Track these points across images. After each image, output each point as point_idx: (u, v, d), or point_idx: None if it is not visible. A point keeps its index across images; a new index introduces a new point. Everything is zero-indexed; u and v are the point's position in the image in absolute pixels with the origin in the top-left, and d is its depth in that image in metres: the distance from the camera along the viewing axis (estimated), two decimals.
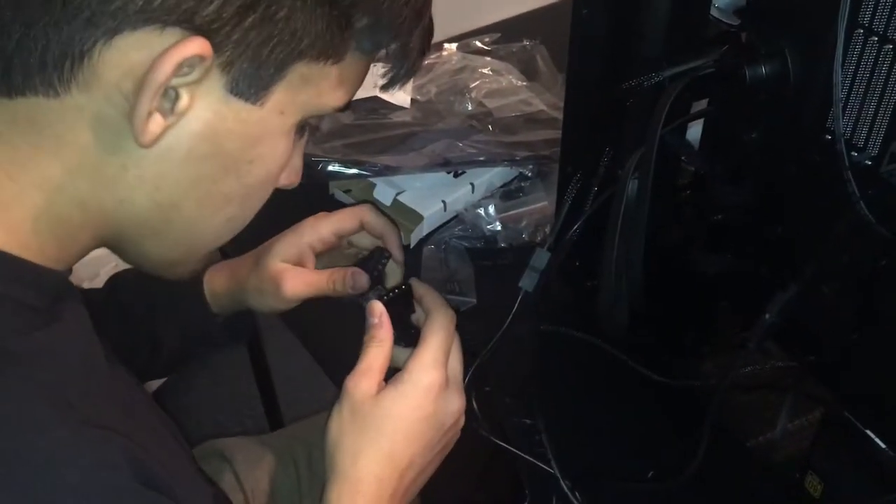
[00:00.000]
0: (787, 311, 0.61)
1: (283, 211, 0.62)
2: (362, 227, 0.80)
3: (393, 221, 0.80)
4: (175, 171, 0.51)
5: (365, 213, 0.79)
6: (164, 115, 0.47)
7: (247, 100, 0.50)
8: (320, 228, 0.79)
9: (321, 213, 0.81)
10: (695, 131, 0.78)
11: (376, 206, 0.81)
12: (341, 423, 0.64)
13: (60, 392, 0.47)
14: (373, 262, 0.77)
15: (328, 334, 0.92)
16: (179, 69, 0.46)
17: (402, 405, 0.64)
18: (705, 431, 0.73)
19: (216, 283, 0.82)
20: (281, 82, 0.50)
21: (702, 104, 0.76)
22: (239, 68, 0.48)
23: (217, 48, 0.46)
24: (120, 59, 0.46)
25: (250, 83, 0.49)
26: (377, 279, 0.77)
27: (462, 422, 0.68)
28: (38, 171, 0.49)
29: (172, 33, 0.45)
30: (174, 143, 0.49)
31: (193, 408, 1.85)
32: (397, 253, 0.78)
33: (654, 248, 0.75)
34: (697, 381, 0.81)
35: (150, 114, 0.47)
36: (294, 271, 0.77)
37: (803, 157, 0.64)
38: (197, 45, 0.45)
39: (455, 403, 0.66)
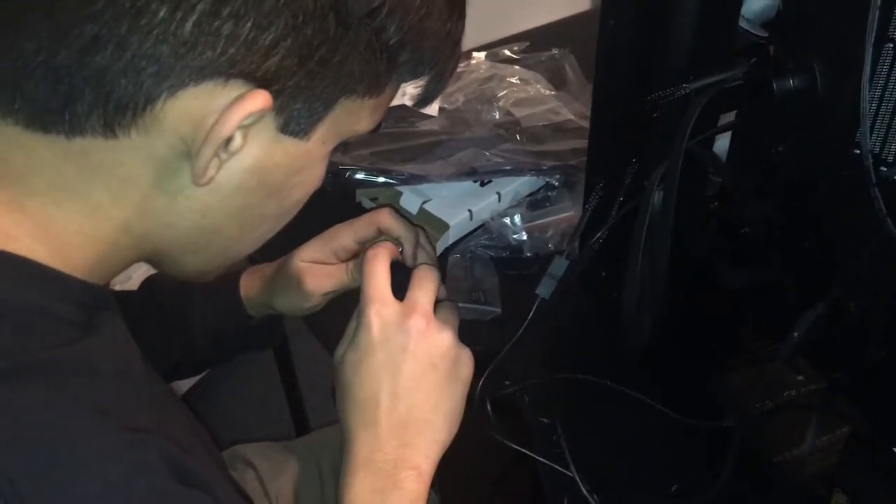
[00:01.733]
0: (815, 328, 0.60)
1: (309, 218, 0.63)
2: (381, 233, 0.80)
3: (414, 225, 0.80)
4: (223, 201, 0.53)
5: (382, 219, 0.79)
6: (219, 156, 0.49)
7: (295, 136, 0.51)
8: (342, 237, 0.81)
9: (345, 222, 0.82)
10: (722, 143, 0.77)
11: (395, 209, 0.81)
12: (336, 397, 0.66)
13: (98, 400, 0.48)
14: None
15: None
16: (242, 121, 0.47)
17: (354, 351, 0.65)
18: (732, 447, 0.72)
19: (249, 287, 0.84)
20: (327, 118, 0.52)
21: (729, 116, 0.75)
22: (291, 110, 0.50)
23: (274, 95, 0.48)
24: (183, 109, 0.47)
25: (300, 122, 0.51)
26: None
27: (446, 337, 0.66)
28: (86, 200, 0.50)
29: (235, 85, 0.47)
30: (225, 178, 0.51)
31: (220, 412, 1.87)
32: (410, 258, 0.78)
33: (679, 260, 0.75)
34: (724, 399, 0.80)
35: (210, 159, 0.48)
36: (315, 267, 0.80)
37: (831, 171, 0.63)
38: (261, 100, 0.47)
39: (407, 322, 0.64)
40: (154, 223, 0.53)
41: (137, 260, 0.57)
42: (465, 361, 0.67)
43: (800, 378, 0.78)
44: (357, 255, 0.82)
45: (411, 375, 0.64)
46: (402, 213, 0.83)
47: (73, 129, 0.47)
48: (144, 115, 0.47)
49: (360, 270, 0.76)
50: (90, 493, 0.44)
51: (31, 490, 0.42)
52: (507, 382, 0.84)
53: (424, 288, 0.67)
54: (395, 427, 0.63)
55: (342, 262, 0.81)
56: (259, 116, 0.48)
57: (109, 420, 0.47)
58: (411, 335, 0.64)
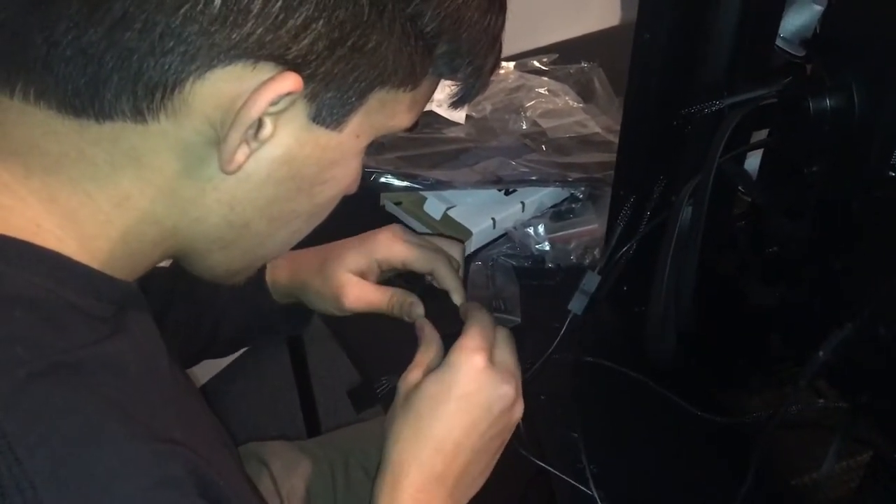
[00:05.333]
0: (841, 350, 0.60)
1: (333, 219, 0.63)
2: (432, 275, 0.80)
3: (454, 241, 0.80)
4: (252, 193, 0.52)
5: (439, 266, 0.79)
6: (248, 142, 0.48)
7: (327, 127, 0.51)
8: (392, 256, 0.80)
9: (397, 233, 0.81)
10: (753, 161, 0.77)
11: (453, 256, 0.81)
12: (392, 415, 0.65)
13: (124, 404, 0.47)
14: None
15: (372, 347, 0.93)
16: (271, 104, 0.46)
17: (440, 386, 0.64)
18: (750, 468, 0.71)
19: (278, 274, 0.83)
20: (360, 109, 0.51)
21: (762, 134, 0.75)
22: (323, 98, 0.49)
23: (305, 80, 0.47)
24: (211, 91, 0.46)
25: (332, 111, 0.50)
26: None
27: (519, 409, 0.66)
28: (115, 189, 0.50)
29: (265, 68, 0.46)
30: (254, 168, 0.50)
31: (234, 410, 1.87)
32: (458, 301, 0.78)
33: (706, 277, 0.74)
34: (744, 418, 0.79)
35: (238, 145, 0.48)
36: (357, 285, 0.78)
37: (865, 192, 0.62)
38: (290, 83, 0.46)
39: (503, 387, 0.65)
40: (182, 216, 0.52)
41: (164, 257, 0.57)
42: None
43: (821, 401, 0.77)
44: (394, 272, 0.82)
45: (483, 437, 0.65)
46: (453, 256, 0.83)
47: (103, 112, 0.47)
48: (173, 97, 0.46)
49: (399, 309, 0.76)
50: None
51: (53, 498, 0.41)
52: (542, 397, 0.84)
53: (510, 348, 0.68)
54: (448, 478, 0.63)
55: (381, 272, 0.81)
56: (289, 102, 0.48)
57: (137, 428, 0.47)
58: (499, 401, 0.65)
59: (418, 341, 0.71)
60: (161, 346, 0.58)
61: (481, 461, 0.66)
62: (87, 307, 0.51)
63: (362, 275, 0.80)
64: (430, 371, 0.66)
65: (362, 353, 0.93)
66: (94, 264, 0.51)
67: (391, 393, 0.77)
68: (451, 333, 0.73)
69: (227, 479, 0.51)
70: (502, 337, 0.69)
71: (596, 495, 0.72)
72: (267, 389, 1.92)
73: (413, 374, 0.67)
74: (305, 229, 0.59)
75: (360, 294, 0.78)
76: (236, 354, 1.93)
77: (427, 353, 0.69)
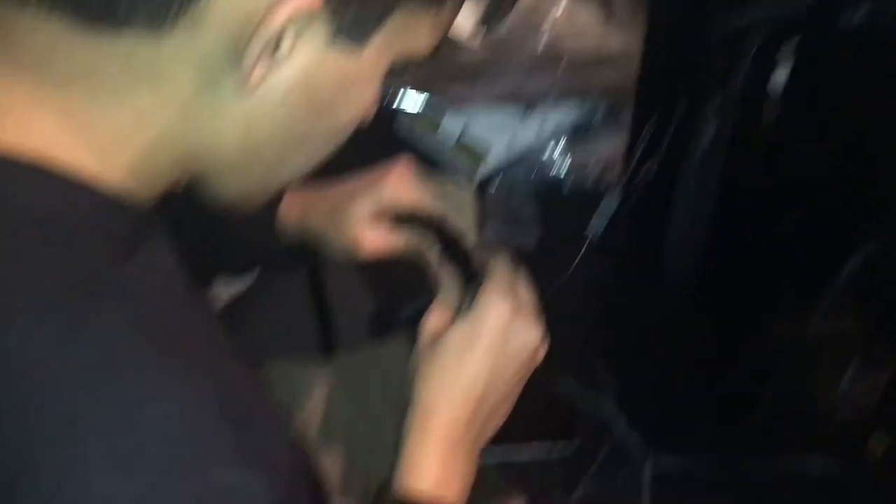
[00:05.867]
0: (866, 267, 0.59)
1: (346, 145, 0.62)
2: (444, 220, 0.79)
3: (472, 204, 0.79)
4: (268, 114, 0.51)
5: (449, 210, 0.78)
6: (266, 59, 0.47)
7: (346, 47, 0.49)
8: (402, 201, 0.78)
9: (407, 175, 0.79)
10: (779, 76, 0.74)
11: (464, 200, 0.80)
12: (417, 358, 0.65)
13: (149, 326, 0.47)
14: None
15: (391, 275, 0.92)
16: (291, 19, 0.45)
17: (470, 335, 0.64)
18: (769, 386, 0.72)
19: (288, 215, 0.82)
20: (381, 30, 0.49)
21: (789, 51, 0.73)
22: (343, 16, 0.47)
23: None
24: (229, 3, 0.45)
25: (352, 31, 0.48)
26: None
27: (543, 350, 0.67)
28: (131, 106, 0.49)
29: None
30: (271, 88, 0.49)
31: (249, 333, 1.89)
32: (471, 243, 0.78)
33: (728, 195, 0.73)
34: (764, 338, 0.79)
35: (257, 60, 0.46)
36: (370, 236, 0.77)
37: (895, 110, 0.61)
38: None
39: (529, 332, 0.65)
40: (198, 136, 0.51)
41: (180, 180, 0.56)
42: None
43: (844, 321, 0.77)
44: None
45: (509, 381, 0.65)
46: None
47: (118, 21, 0.46)
48: (190, 6, 0.45)
49: (415, 250, 0.76)
50: (143, 428, 0.42)
51: (83, 421, 0.41)
52: (561, 320, 0.84)
53: (532, 290, 0.68)
54: (478, 420, 0.64)
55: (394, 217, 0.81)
56: (309, 19, 0.46)
57: (163, 350, 0.46)
58: (526, 347, 0.65)
59: (437, 285, 0.71)
60: (178, 269, 0.58)
61: (507, 401, 0.67)
62: (104, 228, 0.50)
63: (374, 221, 0.79)
64: (452, 315, 0.67)
65: (382, 280, 0.93)
66: (113, 183, 0.51)
67: (410, 320, 0.77)
68: (468, 275, 0.73)
69: (252, 399, 0.52)
70: (522, 279, 0.69)
71: (615, 413, 0.73)
72: (283, 316, 1.93)
73: (436, 320, 0.67)
74: (321, 154, 0.58)
75: (373, 244, 0.77)
76: (251, 281, 1.94)
77: (448, 297, 0.69)
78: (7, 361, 0.42)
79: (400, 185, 0.78)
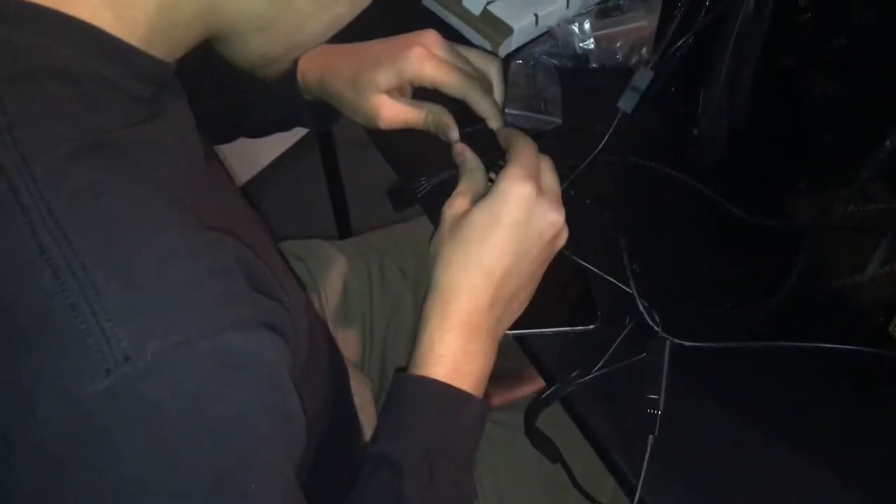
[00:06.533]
0: None
1: (368, 13, 0.60)
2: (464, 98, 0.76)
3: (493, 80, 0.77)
4: None
5: (473, 92, 0.75)
6: None
7: None
8: (424, 77, 0.76)
9: (430, 48, 0.76)
10: None
11: (491, 73, 0.78)
12: (439, 240, 0.65)
13: (171, 188, 0.46)
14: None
15: (410, 148, 0.91)
16: None
17: (491, 215, 0.64)
18: (794, 268, 0.71)
19: (309, 75, 0.80)
20: None
21: None
22: None
23: None
24: None
25: None
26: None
27: (564, 235, 0.67)
28: None
29: None
30: None
31: (265, 216, 1.89)
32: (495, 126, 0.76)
33: (763, 73, 0.71)
34: (792, 220, 0.78)
35: None
36: (391, 106, 0.76)
37: None
38: None
39: (552, 214, 0.65)
40: None
41: (202, 37, 0.54)
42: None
43: (874, 204, 0.75)
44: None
45: (532, 263, 0.65)
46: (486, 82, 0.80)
47: None
48: None
49: (435, 127, 0.74)
50: (164, 288, 0.42)
51: (104, 279, 0.41)
52: (571, 192, 0.83)
53: (554, 174, 0.67)
54: (499, 303, 0.65)
55: (413, 88, 0.78)
56: None
57: (185, 213, 0.46)
58: (549, 229, 0.65)
59: (459, 167, 0.70)
60: (196, 134, 0.57)
61: (528, 285, 0.67)
62: (125, 85, 0.49)
63: (395, 92, 0.77)
64: (475, 198, 0.66)
65: (400, 153, 0.92)
66: (132, 40, 0.49)
67: (430, 193, 0.76)
68: (490, 157, 0.71)
69: (270, 266, 0.51)
70: (546, 163, 0.68)
71: (636, 293, 0.72)
72: (300, 195, 1.92)
73: (458, 202, 0.66)
74: (347, 15, 0.57)
75: (394, 114, 0.76)
76: (268, 161, 1.93)
77: (471, 180, 0.69)
78: (25, 213, 0.41)
79: (422, 61, 0.76)
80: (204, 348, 0.43)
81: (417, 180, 0.77)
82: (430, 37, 0.78)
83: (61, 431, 0.40)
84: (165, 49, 0.52)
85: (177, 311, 0.43)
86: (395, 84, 0.77)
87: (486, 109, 0.75)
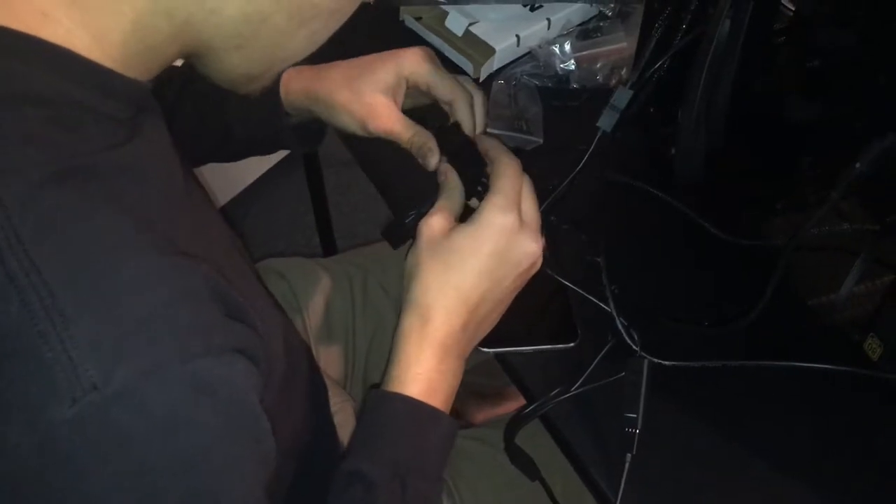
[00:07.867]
0: (879, 161, 0.58)
1: (352, 35, 0.60)
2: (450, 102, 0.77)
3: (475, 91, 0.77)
4: None
5: (460, 97, 0.76)
6: None
7: None
8: (420, 74, 0.77)
9: (425, 54, 0.78)
10: None
11: (475, 95, 0.78)
12: (416, 258, 0.66)
13: (145, 212, 0.46)
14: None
15: (396, 182, 0.91)
16: None
17: (473, 242, 0.65)
18: (769, 286, 0.71)
19: (293, 86, 0.80)
20: None
21: None
22: None
23: None
24: None
25: None
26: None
27: (539, 263, 0.68)
28: None
29: None
30: None
31: (249, 234, 1.89)
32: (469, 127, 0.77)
33: (740, 94, 0.72)
34: (767, 239, 0.78)
35: None
36: (387, 109, 0.76)
37: None
38: None
39: (530, 245, 0.66)
40: (196, 6, 0.49)
41: (179, 56, 0.54)
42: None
43: (846, 225, 0.76)
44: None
45: (506, 290, 0.67)
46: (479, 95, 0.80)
47: None
48: None
49: (418, 152, 0.75)
50: (133, 315, 0.42)
51: (72, 306, 0.40)
52: (552, 218, 0.83)
53: (534, 198, 0.68)
54: (472, 325, 0.66)
55: (408, 90, 0.79)
56: None
57: (156, 238, 0.45)
58: (526, 259, 0.66)
59: (440, 186, 0.71)
60: (175, 155, 0.57)
61: (498, 309, 0.69)
62: (100, 107, 0.49)
63: (391, 92, 0.77)
64: (453, 216, 0.67)
65: (384, 172, 0.92)
66: (108, 62, 0.49)
67: (413, 224, 0.76)
68: (473, 172, 0.72)
69: (244, 291, 0.51)
70: (528, 188, 0.68)
71: (615, 313, 0.73)
72: (284, 212, 1.93)
73: (436, 220, 0.67)
74: (325, 32, 0.57)
75: (387, 119, 0.76)
76: (253, 178, 1.92)
77: (450, 199, 0.69)
78: None
79: (419, 59, 0.77)
80: (174, 375, 0.42)
81: (406, 213, 0.78)
82: (424, 47, 0.79)
83: (28, 457, 0.40)
84: (142, 69, 0.52)
85: (146, 337, 0.42)
86: (392, 81, 0.77)
87: (467, 118, 0.76)
